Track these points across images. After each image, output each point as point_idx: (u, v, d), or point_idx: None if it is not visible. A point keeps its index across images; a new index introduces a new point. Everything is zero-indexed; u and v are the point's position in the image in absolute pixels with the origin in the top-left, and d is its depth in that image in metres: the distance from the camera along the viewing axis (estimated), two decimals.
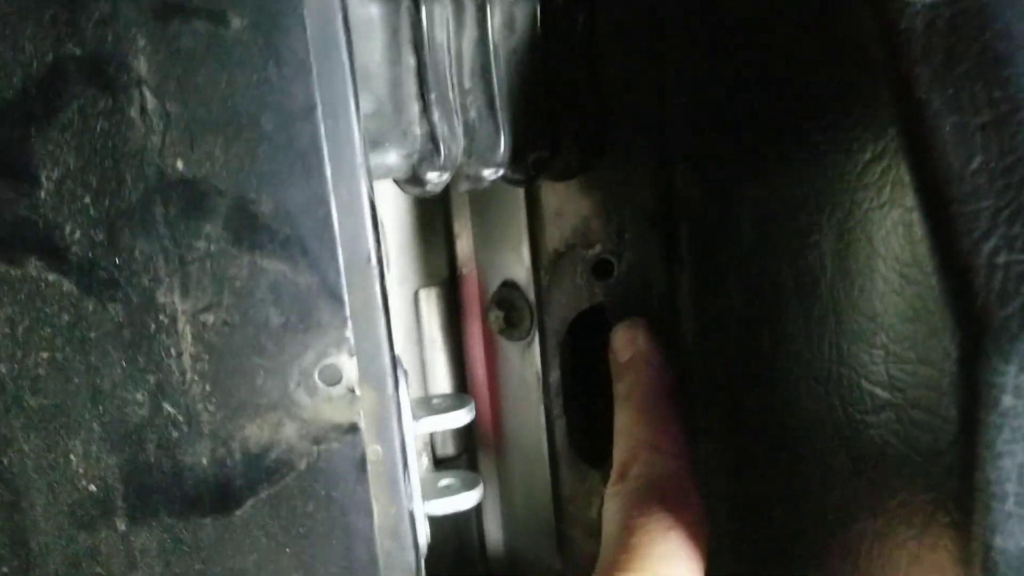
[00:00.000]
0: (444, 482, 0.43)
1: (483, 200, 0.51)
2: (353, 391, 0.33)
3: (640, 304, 0.49)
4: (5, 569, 0.31)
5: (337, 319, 0.32)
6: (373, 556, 0.34)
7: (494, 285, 0.51)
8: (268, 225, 0.31)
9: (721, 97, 0.41)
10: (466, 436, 0.53)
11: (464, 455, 0.53)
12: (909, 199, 0.30)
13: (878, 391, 0.33)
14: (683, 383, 0.47)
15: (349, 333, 0.33)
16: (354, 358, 0.33)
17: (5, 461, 0.30)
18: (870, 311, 0.33)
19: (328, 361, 0.33)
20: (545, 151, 0.43)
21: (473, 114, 0.40)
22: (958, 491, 0.29)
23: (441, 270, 0.52)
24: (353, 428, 0.33)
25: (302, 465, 0.33)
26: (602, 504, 0.52)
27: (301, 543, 0.33)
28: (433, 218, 0.51)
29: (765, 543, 0.43)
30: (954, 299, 0.28)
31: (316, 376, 0.33)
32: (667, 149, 0.45)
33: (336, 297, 0.32)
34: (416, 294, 0.51)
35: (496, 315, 0.51)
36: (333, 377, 0.33)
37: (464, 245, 0.52)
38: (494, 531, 0.55)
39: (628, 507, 0.40)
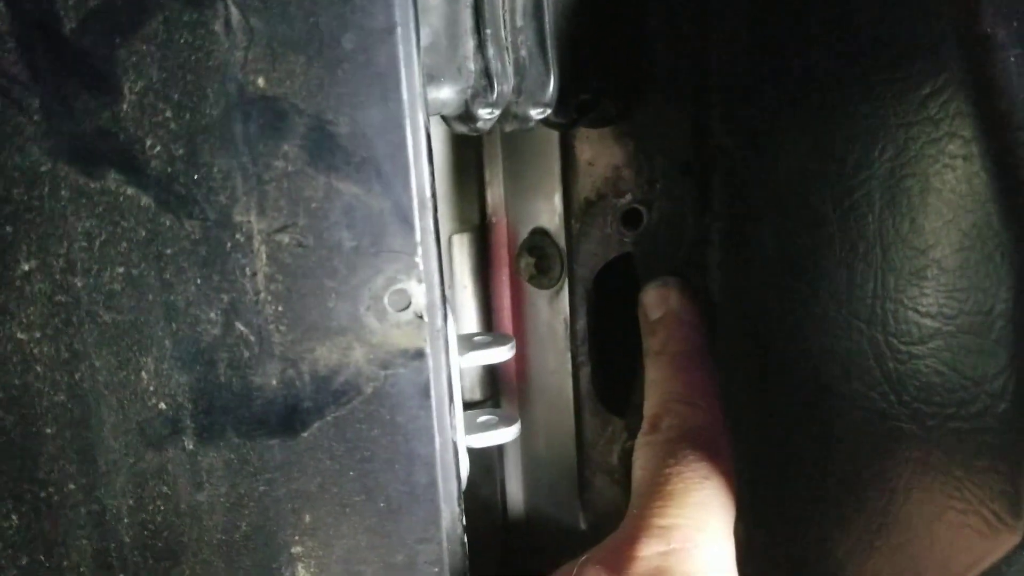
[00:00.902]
0: (483, 418, 0.43)
1: (516, 149, 0.51)
2: (421, 317, 0.33)
3: (668, 254, 0.50)
4: (72, 485, 0.31)
5: (408, 245, 0.33)
6: (433, 481, 0.34)
7: (524, 232, 0.52)
8: (345, 147, 0.31)
9: (765, 40, 0.42)
10: (492, 382, 0.54)
11: (490, 401, 0.54)
12: (968, 130, 0.31)
13: (927, 321, 0.34)
14: (710, 334, 0.48)
15: (419, 259, 0.33)
16: (423, 284, 0.33)
17: (77, 376, 0.30)
18: (921, 244, 0.34)
19: (398, 286, 0.33)
20: (589, 94, 0.44)
21: (524, 53, 0.41)
22: (1010, 413, 0.31)
23: (473, 217, 0.52)
24: (419, 354, 0.33)
25: (369, 389, 0.33)
26: (623, 451, 0.53)
27: (365, 467, 0.33)
28: (466, 165, 0.51)
29: (794, 486, 0.44)
30: (1014, 220, 0.29)
31: (386, 301, 0.33)
32: (703, 97, 0.46)
33: (407, 223, 0.33)
34: (450, 239, 0.51)
35: (527, 262, 0.51)
36: (402, 302, 0.33)
37: (495, 193, 0.52)
38: (515, 475, 0.55)
39: (661, 456, 0.41)
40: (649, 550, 0.37)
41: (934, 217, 0.34)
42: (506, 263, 0.52)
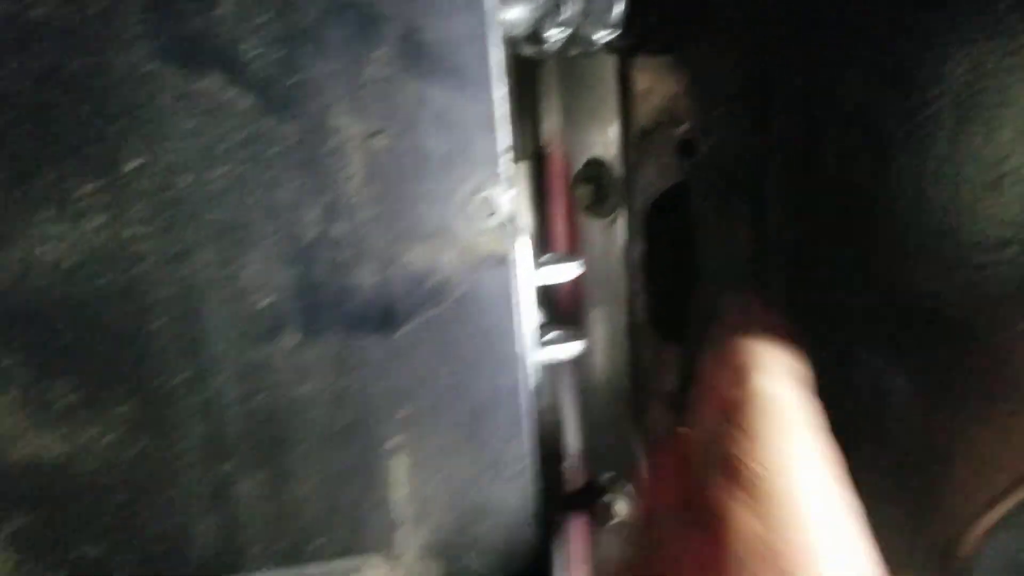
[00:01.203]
0: (549, 335, 0.44)
1: (572, 79, 0.52)
2: (506, 224, 0.34)
3: (723, 183, 0.50)
4: (182, 376, 0.32)
5: (493, 154, 0.34)
6: (517, 382, 0.35)
7: (580, 162, 0.52)
8: (434, 55, 0.32)
9: None
10: (548, 308, 0.55)
11: (546, 326, 0.55)
12: None
13: (1002, 230, 0.35)
14: (764, 262, 0.49)
15: (502, 168, 0.34)
16: (508, 193, 0.34)
17: (184, 271, 0.31)
18: (995, 156, 0.35)
19: (485, 193, 0.34)
20: (652, 18, 0.44)
21: None
22: None
23: (529, 146, 0.53)
24: (504, 259, 0.34)
25: (458, 292, 0.34)
26: (678, 378, 0.54)
27: (453, 365, 0.34)
28: (522, 95, 0.52)
29: (853, 411, 0.45)
30: None
31: (474, 207, 0.34)
32: (763, 21, 0.47)
33: (492, 132, 0.33)
34: None
35: (584, 190, 0.52)
36: (488, 209, 0.34)
37: (550, 123, 0.53)
38: (570, 401, 0.56)
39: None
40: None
41: (1010, 128, 0.34)
42: (561, 192, 0.53)
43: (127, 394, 0.31)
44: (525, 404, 0.36)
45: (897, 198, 0.40)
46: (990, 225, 0.35)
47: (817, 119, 0.45)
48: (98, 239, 0.30)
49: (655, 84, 0.50)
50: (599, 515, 0.57)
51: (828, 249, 0.46)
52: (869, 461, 0.44)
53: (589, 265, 0.53)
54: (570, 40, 0.43)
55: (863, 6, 0.41)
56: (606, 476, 0.54)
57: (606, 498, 0.56)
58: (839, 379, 0.45)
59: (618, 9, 0.42)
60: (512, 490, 0.35)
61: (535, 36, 0.41)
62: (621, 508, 0.56)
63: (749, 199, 0.50)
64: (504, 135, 0.34)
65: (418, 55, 0.32)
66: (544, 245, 0.54)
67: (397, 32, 0.32)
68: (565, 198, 0.53)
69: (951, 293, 0.37)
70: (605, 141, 0.52)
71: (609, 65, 0.51)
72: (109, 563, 0.32)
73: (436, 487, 0.34)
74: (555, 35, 0.41)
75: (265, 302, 0.32)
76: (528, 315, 0.38)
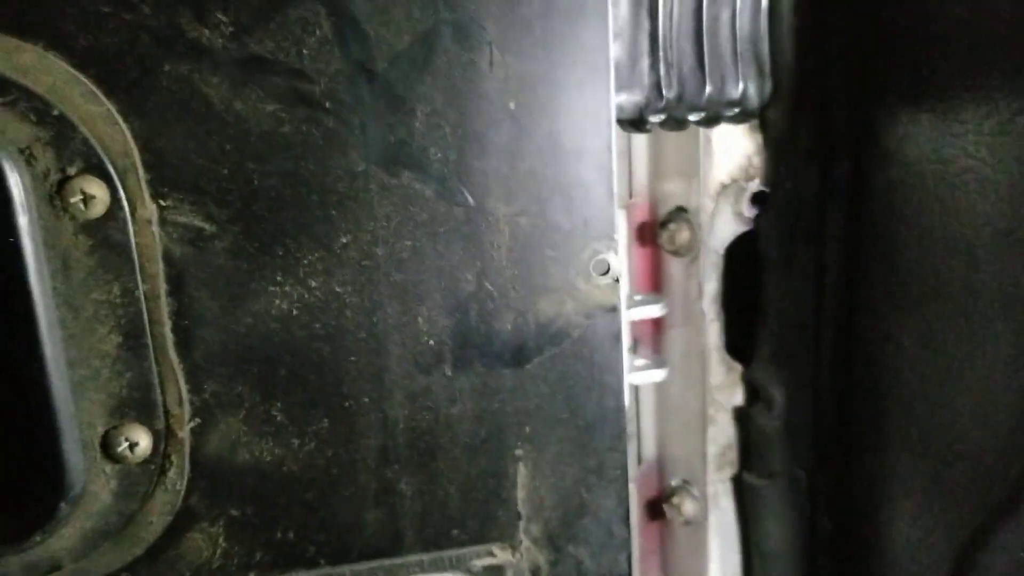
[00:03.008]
0: (639, 361, 0.54)
1: (661, 141, 0.61)
2: (617, 280, 0.44)
3: (789, 229, 0.59)
4: (366, 399, 0.42)
5: (609, 226, 0.43)
6: (620, 405, 0.45)
7: (665, 210, 0.61)
8: (569, 152, 0.42)
9: (892, 42, 0.50)
10: (632, 336, 0.64)
11: (630, 349, 0.64)
12: None
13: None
14: (822, 298, 0.58)
15: (617, 236, 0.43)
16: (619, 255, 0.43)
17: (374, 319, 0.42)
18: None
19: (600, 256, 0.43)
20: (734, 99, 0.53)
21: (685, 69, 0.50)
22: None
23: (623, 196, 0.62)
24: (613, 308, 0.44)
25: (576, 334, 0.44)
26: (745, 393, 0.63)
27: (570, 392, 0.44)
28: (619, 154, 0.61)
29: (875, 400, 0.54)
30: None
31: (591, 267, 0.43)
32: (827, 96, 0.55)
33: (609, 208, 0.43)
34: None
35: (669, 234, 0.61)
36: (602, 268, 0.43)
37: (639, 178, 0.62)
38: (649, 413, 0.66)
39: None
40: None
41: None
42: (647, 235, 0.62)
43: (323, 413, 0.42)
44: (624, 422, 0.46)
45: (930, 234, 0.48)
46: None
47: (872, 181, 0.54)
48: (315, 296, 0.41)
49: (733, 145, 0.59)
50: (670, 515, 0.67)
51: (876, 281, 0.54)
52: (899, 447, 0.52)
53: (671, 298, 0.63)
54: (665, 122, 0.52)
55: (923, 77, 0.50)
56: (677, 481, 0.63)
57: (675, 500, 0.66)
58: (881, 386, 0.54)
59: (706, 95, 0.51)
60: (610, 492, 0.45)
61: (639, 120, 0.50)
62: (689, 509, 0.65)
63: (811, 245, 0.58)
64: (617, 209, 0.44)
65: (557, 152, 0.42)
66: (632, 281, 0.63)
67: (543, 136, 0.41)
68: (649, 240, 0.62)
69: (991, 302, 0.45)
70: (688, 192, 0.61)
71: (693, 130, 0.59)
72: (300, 545, 0.43)
73: (550, 488, 0.44)
74: (655, 119, 0.50)
75: (430, 342, 0.42)
76: (622, 349, 0.48)
